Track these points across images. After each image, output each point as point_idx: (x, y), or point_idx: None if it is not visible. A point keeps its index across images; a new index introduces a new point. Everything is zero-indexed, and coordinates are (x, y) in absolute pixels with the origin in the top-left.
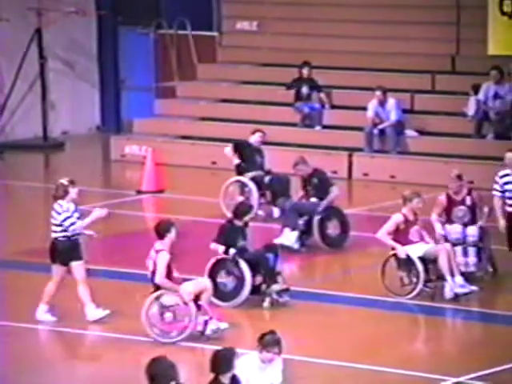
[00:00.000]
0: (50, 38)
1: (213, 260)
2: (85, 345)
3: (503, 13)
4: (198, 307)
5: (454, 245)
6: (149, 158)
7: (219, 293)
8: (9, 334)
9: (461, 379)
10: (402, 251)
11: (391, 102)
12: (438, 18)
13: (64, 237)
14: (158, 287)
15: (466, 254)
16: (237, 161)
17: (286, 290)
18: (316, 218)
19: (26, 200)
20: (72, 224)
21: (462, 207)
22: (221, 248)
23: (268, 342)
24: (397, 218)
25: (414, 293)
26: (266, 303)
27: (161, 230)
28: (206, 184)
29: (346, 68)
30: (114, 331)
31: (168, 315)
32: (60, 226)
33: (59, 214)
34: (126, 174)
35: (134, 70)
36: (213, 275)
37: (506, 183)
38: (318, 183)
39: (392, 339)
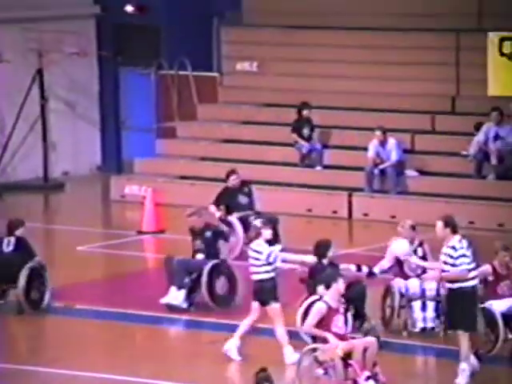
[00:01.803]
0: (51, 79)
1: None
2: None
3: (502, 54)
4: (347, 365)
5: (411, 300)
6: (149, 199)
7: None
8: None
9: None
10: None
11: (392, 142)
12: (437, 59)
13: (268, 277)
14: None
15: (424, 308)
16: (218, 213)
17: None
18: (204, 276)
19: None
20: (275, 258)
21: None
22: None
23: (260, 381)
24: (485, 269)
25: (494, 350)
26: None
27: (327, 279)
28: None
29: (346, 108)
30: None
31: (319, 371)
32: (264, 266)
33: (260, 253)
34: (126, 214)
35: (135, 110)
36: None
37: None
38: (210, 238)
39: None
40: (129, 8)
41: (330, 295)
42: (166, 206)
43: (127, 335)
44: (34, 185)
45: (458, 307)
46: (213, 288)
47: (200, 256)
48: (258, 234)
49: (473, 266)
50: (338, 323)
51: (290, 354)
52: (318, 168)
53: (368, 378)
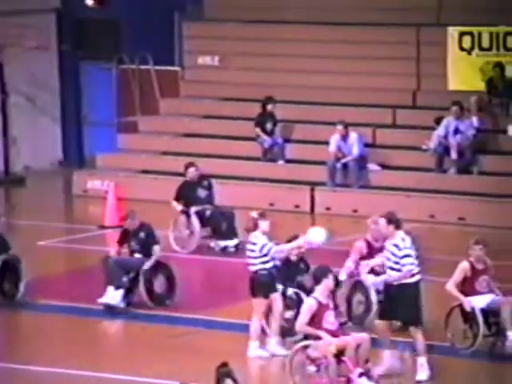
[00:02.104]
0: (11, 73)
1: None
2: None
3: (462, 48)
4: (340, 362)
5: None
6: (111, 193)
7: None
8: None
9: None
10: (468, 304)
11: (353, 136)
12: (398, 53)
13: (264, 269)
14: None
15: None
16: (178, 207)
17: None
18: (142, 275)
19: None
20: (269, 250)
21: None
22: None
23: (222, 375)
24: (463, 267)
25: (474, 347)
26: None
27: (317, 274)
28: (166, 218)
29: (307, 103)
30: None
31: (312, 368)
32: (259, 258)
33: (255, 244)
34: (88, 208)
35: (96, 105)
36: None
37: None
38: (144, 238)
39: None
40: (89, 1)
41: (320, 291)
42: (128, 201)
43: (89, 330)
44: None
45: (402, 302)
46: (151, 287)
47: (137, 256)
48: (256, 226)
49: (417, 262)
50: (329, 319)
51: (253, 349)
52: (281, 162)
53: (361, 374)
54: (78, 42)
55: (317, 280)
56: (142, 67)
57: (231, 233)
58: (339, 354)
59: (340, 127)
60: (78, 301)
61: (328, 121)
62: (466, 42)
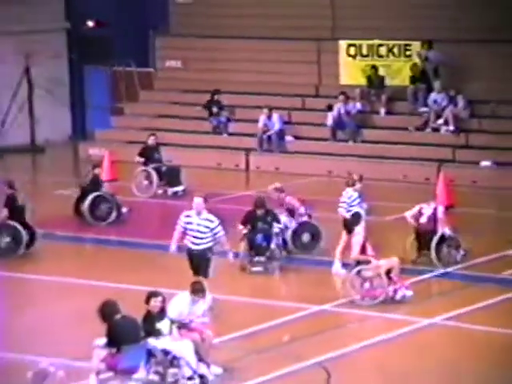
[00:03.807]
0: (35, 74)
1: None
2: None
3: (349, 55)
4: (390, 279)
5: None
6: (106, 157)
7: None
8: None
9: None
10: None
11: (275, 116)
12: (306, 59)
13: (348, 211)
14: (358, 262)
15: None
16: (141, 160)
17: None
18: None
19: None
20: (355, 205)
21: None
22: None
23: (195, 289)
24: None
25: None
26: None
27: (355, 219)
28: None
29: (244, 93)
30: None
31: (367, 285)
32: (347, 204)
33: (348, 198)
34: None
35: (95, 95)
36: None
37: (188, 223)
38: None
39: None
40: (90, 23)
41: (361, 229)
42: (118, 163)
43: (98, 254)
44: (23, 148)
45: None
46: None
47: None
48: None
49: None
50: (369, 250)
51: (337, 267)
52: (225, 135)
53: (404, 287)
54: (82, 51)
55: (357, 222)
56: (127, 69)
57: (179, 182)
58: (387, 273)
59: (266, 110)
60: (83, 232)
61: (258, 105)
62: (352, 51)
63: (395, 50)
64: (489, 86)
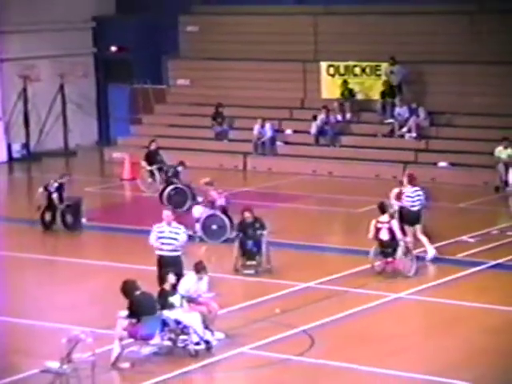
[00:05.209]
0: (68, 90)
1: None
2: None
3: (329, 74)
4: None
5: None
6: (127, 160)
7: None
8: None
9: None
10: None
11: (267, 125)
12: (293, 77)
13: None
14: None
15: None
16: (144, 164)
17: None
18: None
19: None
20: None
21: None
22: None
23: (198, 268)
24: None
25: None
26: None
27: (382, 207)
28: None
29: (242, 106)
30: None
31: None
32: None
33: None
34: (113, 169)
35: (117, 108)
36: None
37: (161, 232)
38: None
39: None
40: (113, 48)
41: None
42: (136, 165)
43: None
44: (58, 153)
45: None
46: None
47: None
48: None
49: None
50: (382, 232)
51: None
52: (226, 141)
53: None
54: (106, 72)
55: (384, 210)
56: (144, 86)
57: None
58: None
59: (260, 120)
60: (111, 222)
61: (253, 116)
62: (331, 70)
63: (367, 70)
64: (445, 100)
